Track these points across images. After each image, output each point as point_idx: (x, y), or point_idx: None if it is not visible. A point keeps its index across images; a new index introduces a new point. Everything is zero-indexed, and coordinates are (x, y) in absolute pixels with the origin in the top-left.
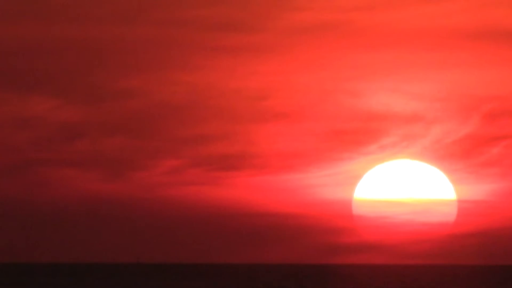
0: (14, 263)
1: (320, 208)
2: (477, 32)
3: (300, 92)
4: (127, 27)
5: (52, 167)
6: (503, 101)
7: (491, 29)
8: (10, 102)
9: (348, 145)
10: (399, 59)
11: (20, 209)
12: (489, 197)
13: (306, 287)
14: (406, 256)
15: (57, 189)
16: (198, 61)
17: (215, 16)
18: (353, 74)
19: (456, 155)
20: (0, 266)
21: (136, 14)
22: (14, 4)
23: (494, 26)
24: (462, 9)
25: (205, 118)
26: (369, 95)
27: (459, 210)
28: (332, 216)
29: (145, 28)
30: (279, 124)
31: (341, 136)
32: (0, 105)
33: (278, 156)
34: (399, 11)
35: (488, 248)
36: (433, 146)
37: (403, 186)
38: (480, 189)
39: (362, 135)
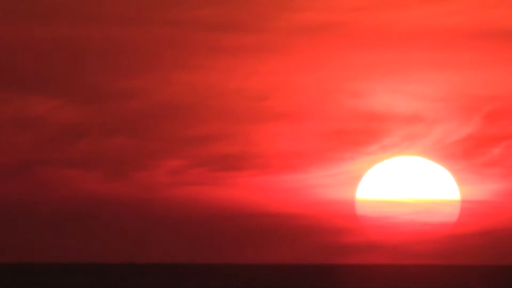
0: (14, 263)
1: (322, 208)
2: (478, 32)
3: (301, 92)
4: (127, 27)
5: (53, 167)
6: (505, 101)
7: (492, 29)
8: (10, 102)
9: (349, 145)
10: (400, 59)
11: (20, 209)
12: (492, 197)
13: (308, 287)
14: (408, 256)
15: (57, 189)
16: (198, 61)
17: (215, 16)
18: (354, 74)
19: (458, 155)
20: (0, 266)
21: (136, 14)
22: (14, 4)
23: (495, 26)
24: (463, 9)
25: (206, 118)
26: (370, 95)
27: (461, 210)
28: (333, 216)
29: (145, 28)
30: (280, 124)
31: (342, 136)
32: (0, 105)
33: (279, 156)
34: (399, 11)
35: (491, 248)
36: (435, 146)
37: (405, 186)
38: (482, 190)
39: (363, 135)
